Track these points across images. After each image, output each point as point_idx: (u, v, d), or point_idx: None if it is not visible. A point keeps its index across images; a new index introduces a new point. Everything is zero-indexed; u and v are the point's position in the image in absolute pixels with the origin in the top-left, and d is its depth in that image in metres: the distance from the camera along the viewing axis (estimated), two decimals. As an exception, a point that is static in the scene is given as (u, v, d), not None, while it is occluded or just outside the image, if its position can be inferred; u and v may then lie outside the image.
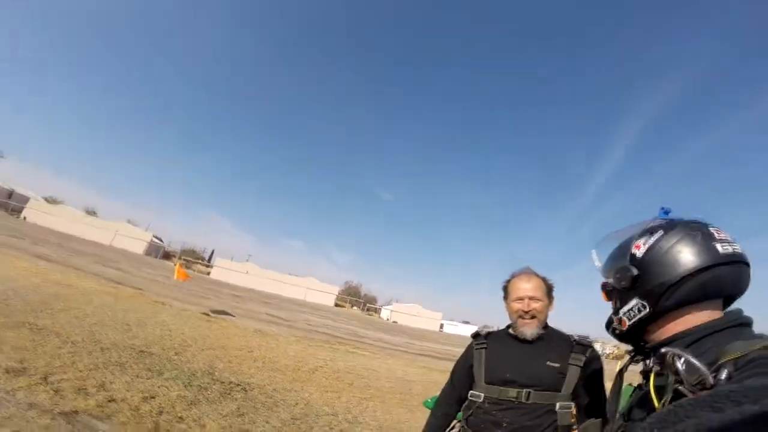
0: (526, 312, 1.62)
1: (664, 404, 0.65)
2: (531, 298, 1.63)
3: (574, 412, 1.57)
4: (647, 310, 0.81)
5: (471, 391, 1.65)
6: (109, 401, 3.23)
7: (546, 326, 1.69)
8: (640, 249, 0.85)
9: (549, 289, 1.70)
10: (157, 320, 7.41)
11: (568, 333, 1.69)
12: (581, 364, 1.57)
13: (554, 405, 1.52)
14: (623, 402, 0.90)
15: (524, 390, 1.52)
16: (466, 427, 1.62)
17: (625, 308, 0.86)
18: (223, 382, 4.62)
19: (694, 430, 0.38)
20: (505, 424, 1.50)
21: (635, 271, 0.82)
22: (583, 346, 1.61)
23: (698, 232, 0.80)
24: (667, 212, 0.91)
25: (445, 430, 1.76)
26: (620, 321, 0.88)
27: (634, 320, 0.84)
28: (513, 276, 1.75)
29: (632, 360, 0.91)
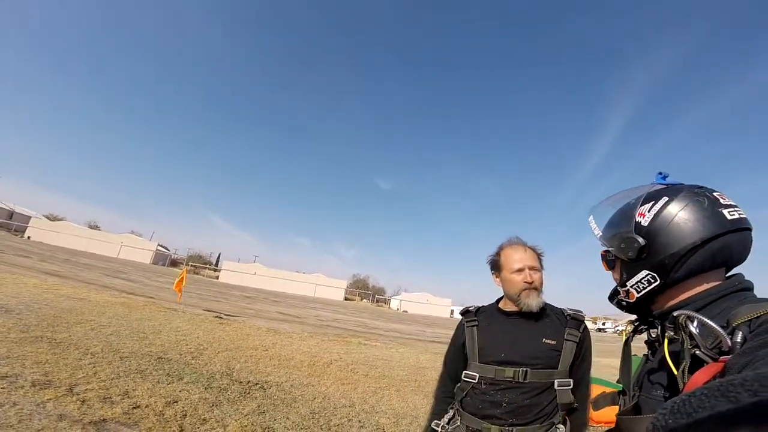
0: (530, 283, 1.53)
1: (683, 371, 0.63)
2: (531, 268, 1.55)
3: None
4: (657, 281, 0.78)
5: (465, 371, 1.58)
6: (134, 408, 3.32)
7: None
8: (645, 217, 0.81)
9: (540, 259, 1.63)
10: (171, 326, 7.53)
11: (559, 307, 1.63)
12: (577, 340, 1.52)
13: (553, 382, 1.48)
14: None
15: (521, 369, 1.46)
16: (461, 409, 1.57)
17: (634, 280, 0.82)
18: (241, 382, 4.73)
19: (708, 421, 0.36)
20: (504, 404, 1.46)
21: (642, 241, 0.79)
22: (577, 320, 1.56)
23: (704, 197, 0.77)
24: (664, 177, 0.88)
25: (447, 410, 1.69)
26: (628, 293, 0.85)
27: (643, 292, 0.81)
28: (503, 248, 1.65)
29: (636, 330, 0.89)
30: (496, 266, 1.65)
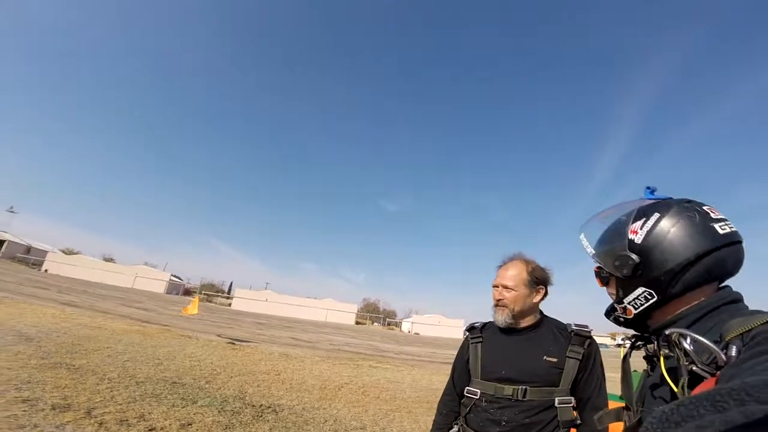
0: (497, 301, 1.59)
1: (682, 387, 0.63)
2: (504, 287, 1.58)
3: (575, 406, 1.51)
4: (654, 298, 0.78)
5: (467, 388, 1.60)
6: (150, 430, 3.40)
7: (541, 315, 1.63)
8: (637, 234, 0.80)
9: (535, 279, 1.59)
10: (185, 352, 7.62)
11: (565, 322, 1.60)
12: (580, 357, 1.49)
13: (553, 400, 1.46)
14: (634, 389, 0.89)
15: (520, 387, 1.46)
16: (465, 425, 1.58)
17: (631, 297, 0.82)
18: (254, 406, 4.76)
19: (696, 430, 0.36)
20: (504, 423, 1.45)
21: (636, 259, 0.79)
22: (582, 337, 1.53)
23: (694, 212, 0.77)
24: (652, 191, 0.87)
25: (450, 426, 1.70)
26: (625, 310, 0.84)
27: (640, 309, 0.81)
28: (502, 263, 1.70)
29: (634, 346, 0.90)
30: None
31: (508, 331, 1.60)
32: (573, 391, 1.50)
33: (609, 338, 66.89)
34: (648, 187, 0.88)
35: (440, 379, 9.55)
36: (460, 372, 1.69)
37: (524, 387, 1.46)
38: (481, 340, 1.64)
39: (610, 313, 0.91)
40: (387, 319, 59.37)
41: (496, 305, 1.59)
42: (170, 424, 3.61)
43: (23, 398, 3.58)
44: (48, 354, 5.53)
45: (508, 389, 1.47)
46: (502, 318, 1.56)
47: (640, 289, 0.80)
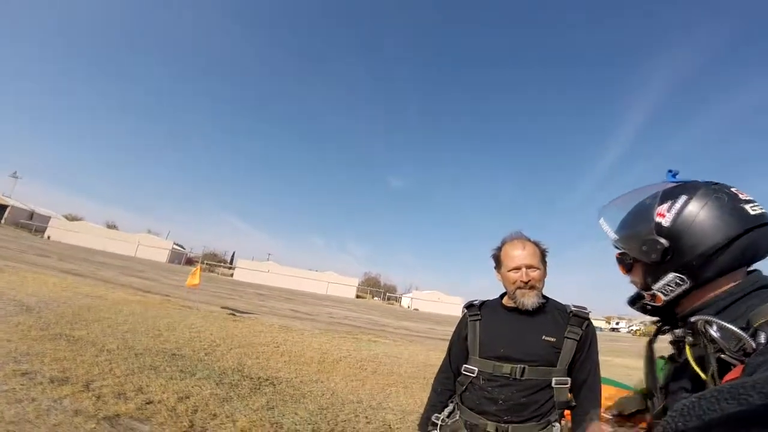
0: (526, 282, 1.50)
1: (712, 375, 0.61)
2: (528, 267, 1.51)
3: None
4: (687, 284, 0.75)
5: (465, 365, 1.58)
6: (148, 403, 3.43)
7: (543, 296, 1.60)
8: (665, 217, 0.76)
9: (543, 255, 1.58)
10: (185, 324, 7.70)
11: (564, 303, 1.60)
12: (577, 338, 1.49)
13: (550, 380, 1.46)
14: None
15: (518, 366, 1.45)
16: (461, 404, 1.58)
17: (660, 283, 0.78)
18: (252, 378, 4.82)
19: (719, 424, 0.36)
20: (501, 401, 1.45)
21: (666, 243, 0.75)
22: (580, 318, 1.52)
23: (723, 194, 0.74)
24: (674, 174, 0.83)
25: (446, 404, 1.71)
26: (654, 297, 0.81)
27: (671, 295, 0.77)
28: (504, 242, 1.62)
29: (659, 331, 0.87)
30: (497, 261, 1.63)
31: (510, 309, 1.58)
32: (569, 373, 1.50)
33: (604, 322, 67.80)
34: (670, 170, 0.84)
35: (437, 355, 9.70)
36: (457, 349, 1.68)
37: (523, 366, 1.45)
38: (479, 317, 1.62)
39: (635, 301, 0.86)
40: (387, 294, 60.30)
41: (523, 288, 1.52)
42: (168, 397, 3.64)
43: (22, 371, 3.59)
44: (48, 325, 5.57)
45: (506, 367, 1.46)
46: (532, 300, 1.51)
47: (671, 275, 0.76)
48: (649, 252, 0.76)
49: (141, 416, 3.18)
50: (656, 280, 0.78)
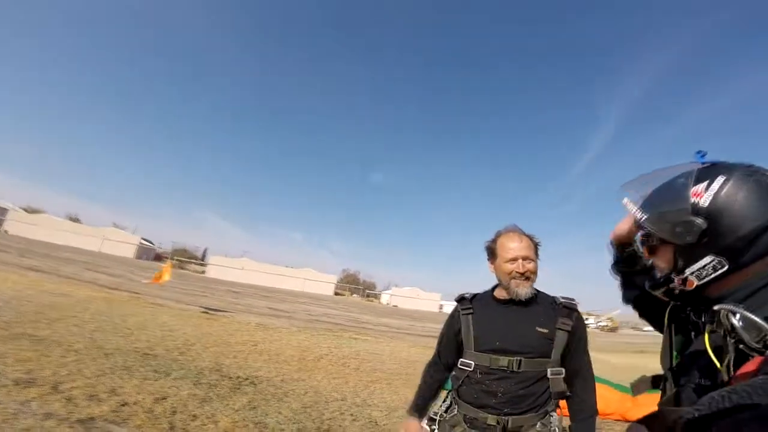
0: (522, 273, 1.53)
1: (727, 365, 0.60)
2: (525, 258, 1.54)
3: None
4: (725, 267, 0.71)
5: (461, 359, 1.59)
6: (122, 405, 3.25)
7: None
8: (702, 197, 0.72)
9: (536, 248, 1.62)
10: (157, 322, 7.40)
11: (552, 295, 1.62)
12: (569, 329, 1.52)
13: (545, 371, 1.48)
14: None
15: (515, 358, 1.47)
16: (457, 398, 1.58)
17: (695, 266, 0.73)
18: (231, 378, 4.67)
19: (751, 421, 0.35)
20: (500, 394, 1.46)
21: (703, 224, 0.70)
22: (569, 309, 1.56)
23: (761, 176, 0.71)
24: (703, 155, 0.80)
25: (435, 395, 1.73)
26: (685, 281, 0.76)
27: (706, 279, 0.73)
28: (499, 235, 1.64)
29: (676, 313, 0.85)
30: (491, 253, 1.64)
31: (502, 302, 1.59)
32: (562, 363, 1.52)
33: (588, 318, 69.82)
34: (699, 151, 0.80)
35: (418, 351, 9.76)
36: (448, 343, 1.68)
37: (519, 358, 1.47)
38: (471, 311, 1.62)
39: (659, 285, 0.82)
40: (366, 291, 60.16)
41: (518, 278, 1.54)
42: (143, 398, 3.47)
43: (-19, 373, 3.33)
44: (9, 324, 5.20)
45: (503, 360, 1.48)
46: (526, 290, 1.53)
47: (708, 258, 0.72)
48: (684, 233, 0.72)
49: (117, 419, 3.00)
50: (689, 263, 0.74)
